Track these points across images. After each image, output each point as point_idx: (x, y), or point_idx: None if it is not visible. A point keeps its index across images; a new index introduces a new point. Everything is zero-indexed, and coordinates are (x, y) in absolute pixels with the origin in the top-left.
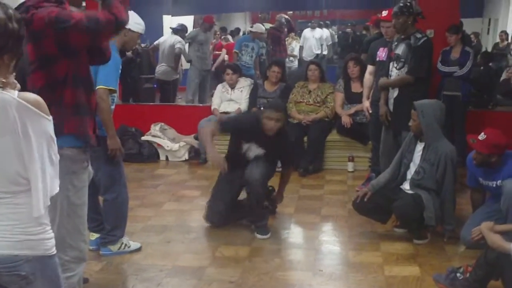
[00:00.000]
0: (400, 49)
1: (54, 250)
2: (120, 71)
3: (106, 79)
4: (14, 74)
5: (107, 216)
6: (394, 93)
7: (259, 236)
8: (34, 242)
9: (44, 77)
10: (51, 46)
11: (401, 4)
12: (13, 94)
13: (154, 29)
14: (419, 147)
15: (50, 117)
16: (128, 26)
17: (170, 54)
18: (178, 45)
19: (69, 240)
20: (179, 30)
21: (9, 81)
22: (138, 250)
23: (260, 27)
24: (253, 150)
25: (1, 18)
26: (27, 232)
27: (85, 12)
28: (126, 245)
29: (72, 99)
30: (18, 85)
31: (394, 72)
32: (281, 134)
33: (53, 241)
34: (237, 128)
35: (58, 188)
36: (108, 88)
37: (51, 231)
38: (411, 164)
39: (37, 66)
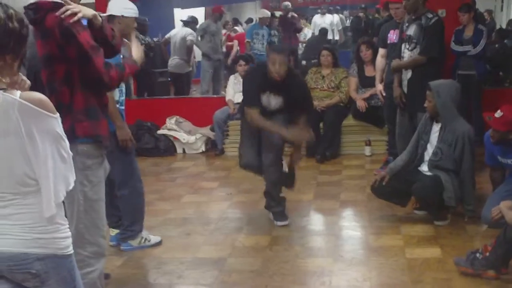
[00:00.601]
0: (411, 30)
1: (69, 250)
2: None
3: None
4: (19, 73)
5: (124, 211)
6: (407, 75)
7: (278, 223)
8: (45, 241)
9: (46, 76)
10: (53, 47)
11: None
12: (15, 94)
13: (165, 22)
14: (436, 127)
15: (56, 114)
16: (119, 13)
17: (182, 47)
18: (189, 37)
19: (87, 236)
20: (190, 22)
21: (16, 80)
22: (159, 244)
23: (265, 12)
24: (272, 101)
25: (1, 17)
26: (38, 231)
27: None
28: (146, 239)
29: (82, 104)
30: (28, 83)
31: (407, 53)
32: (292, 77)
33: (68, 241)
34: (254, 89)
35: (73, 184)
36: None
37: (66, 230)
38: (428, 145)
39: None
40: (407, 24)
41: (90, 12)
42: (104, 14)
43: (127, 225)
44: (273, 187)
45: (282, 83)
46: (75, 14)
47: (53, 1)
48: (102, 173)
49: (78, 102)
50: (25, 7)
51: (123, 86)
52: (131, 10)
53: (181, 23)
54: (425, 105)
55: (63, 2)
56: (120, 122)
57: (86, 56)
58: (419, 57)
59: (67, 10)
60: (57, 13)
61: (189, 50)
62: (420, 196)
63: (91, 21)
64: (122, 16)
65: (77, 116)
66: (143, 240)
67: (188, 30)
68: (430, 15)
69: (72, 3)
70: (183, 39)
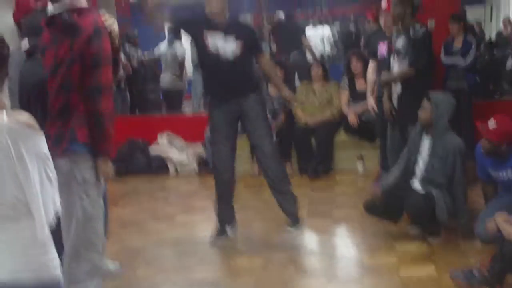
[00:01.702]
0: (399, 43)
1: (58, 272)
2: None
3: None
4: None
5: None
6: (397, 88)
7: (291, 229)
8: (37, 265)
9: (56, 81)
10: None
11: None
12: (1, 118)
13: (156, 36)
14: (426, 140)
15: (41, 132)
16: None
17: (174, 63)
18: (180, 52)
19: (83, 252)
20: (175, 37)
21: None
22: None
23: None
24: (223, 45)
25: None
26: (31, 255)
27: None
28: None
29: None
30: (6, 103)
31: (395, 66)
32: (236, 20)
33: (57, 262)
34: (185, 21)
35: (59, 204)
36: None
37: (54, 251)
38: (419, 159)
39: (53, 70)
40: (396, 37)
41: (117, 31)
42: None
43: None
44: (283, 177)
45: (225, 24)
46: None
47: (84, 7)
48: (100, 188)
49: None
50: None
51: None
52: None
53: (166, 39)
54: (419, 113)
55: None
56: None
57: (97, 62)
58: (408, 70)
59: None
60: (103, 19)
61: (181, 65)
62: (413, 212)
63: (112, 38)
64: None
65: (80, 120)
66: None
67: (177, 45)
68: (418, 27)
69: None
70: (174, 55)
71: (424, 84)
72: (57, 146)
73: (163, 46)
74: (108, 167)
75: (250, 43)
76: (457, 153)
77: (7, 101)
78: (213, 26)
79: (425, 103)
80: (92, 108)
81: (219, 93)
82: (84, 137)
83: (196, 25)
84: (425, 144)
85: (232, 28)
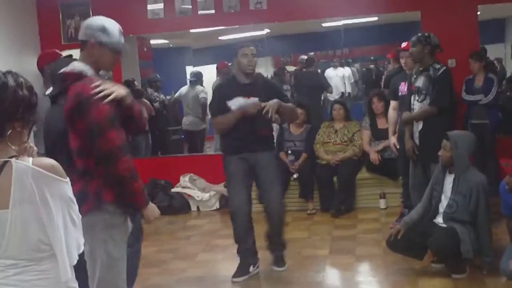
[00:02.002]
0: (420, 82)
1: None
2: None
3: None
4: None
5: None
6: (418, 126)
7: (277, 268)
8: None
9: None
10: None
11: (419, 34)
12: (28, 162)
13: (177, 80)
14: (449, 178)
15: (67, 179)
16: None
17: (196, 105)
18: (202, 95)
19: None
20: (197, 80)
21: (25, 148)
22: None
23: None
24: (245, 102)
25: (11, 85)
26: None
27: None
28: None
29: None
30: (35, 149)
31: (416, 105)
32: (261, 77)
33: None
34: (220, 99)
35: (83, 246)
36: None
37: None
38: (442, 197)
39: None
40: (415, 76)
41: (122, 92)
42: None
43: None
44: (280, 226)
45: (253, 84)
46: (108, 95)
47: (79, 72)
48: (125, 232)
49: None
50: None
51: None
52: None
53: (188, 82)
54: (440, 154)
55: (99, 80)
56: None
57: (96, 132)
58: (429, 108)
59: (101, 91)
60: (92, 92)
61: (203, 107)
62: (437, 249)
63: (120, 100)
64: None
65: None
66: None
67: (199, 87)
68: (437, 66)
69: (107, 82)
70: (196, 97)
71: (445, 122)
72: (80, 206)
73: (184, 89)
74: (150, 212)
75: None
76: (480, 190)
77: (34, 147)
78: (240, 90)
79: (445, 143)
80: (111, 172)
81: (235, 145)
82: (110, 196)
83: (227, 96)
84: (448, 182)
85: (257, 89)
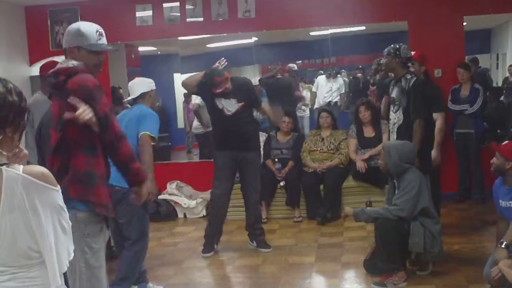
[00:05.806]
0: (394, 92)
1: None
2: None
3: (150, 128)
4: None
5: (122, 264)
6: (392, 137)
7: (263, 250)
8: None
9: (56, 138)
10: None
11: (391, 46)
12: (18, 169)
13: (166, 87)
14: (394, 183)
15: (58, 187)
16: (149, 89)
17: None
18: (196, 101)
19: None
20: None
21: (16, 153)
22: None
23: None
24: (229, 104)
25: (1, 92)
26: None
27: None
28: None
29: (82, 167)
30: (25, 153)
31: (392, 115)
32: (236, 82)
33: None
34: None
35: (73, 253)
36: (152, 135)
37: None
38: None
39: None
40: (392, 87)
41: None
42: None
43: (118, 278)
44: (257, 213)
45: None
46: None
47: (74, 67)
48: (102, 239)
49: (79, 164)
50: (45, 75)
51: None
52: (153, 84)
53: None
54: (379, 162)
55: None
56: (152, 174)
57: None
58: (416, 125)
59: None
60: (96, 83)
61: (197, 114)
62: (383, 236)
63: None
64: (151, 90)
65: (74, 177)
66: None
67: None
68: (408, 76)
69: (83, 106)
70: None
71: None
72: None
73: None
74: (144, 190)
75: (250, 101)
76: (418, 183)
77: (25, 151)
78: (220, 94)
79: (381, 153)
80: (118, 155)
81: (222, 140)
82: (76, 192)
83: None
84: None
85: (234, 92)
